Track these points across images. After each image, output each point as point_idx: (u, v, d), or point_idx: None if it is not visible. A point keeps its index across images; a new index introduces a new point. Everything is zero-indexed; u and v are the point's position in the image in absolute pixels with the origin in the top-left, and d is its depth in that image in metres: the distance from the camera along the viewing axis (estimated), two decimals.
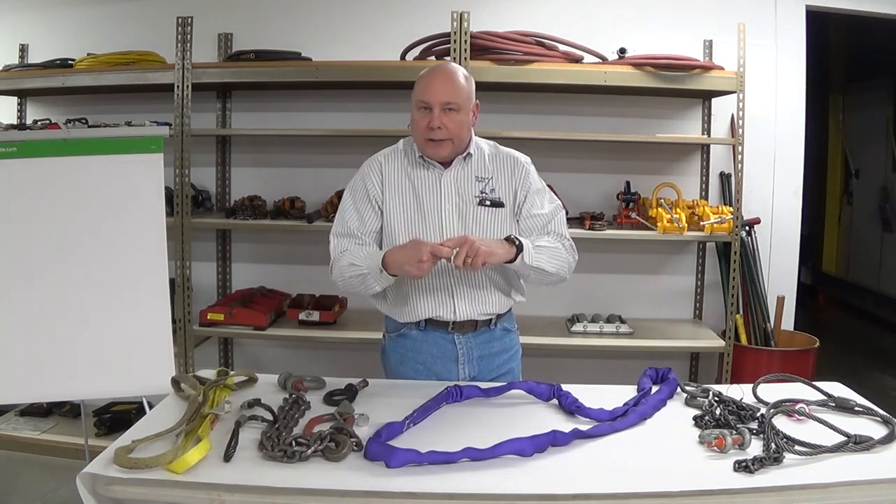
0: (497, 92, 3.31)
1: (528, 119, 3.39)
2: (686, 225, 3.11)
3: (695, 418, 1.58)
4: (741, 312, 3.34)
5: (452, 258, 1.69)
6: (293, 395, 1.64)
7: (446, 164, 1.91)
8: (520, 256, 1.79)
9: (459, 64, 2.98)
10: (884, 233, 5.87)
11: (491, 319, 1.97)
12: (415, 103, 1.86)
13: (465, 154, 1.92)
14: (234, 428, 1.45)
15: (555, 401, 1.69)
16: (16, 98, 3.70)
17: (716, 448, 1.40)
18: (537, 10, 3.45)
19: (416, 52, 3.25)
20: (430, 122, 1.83)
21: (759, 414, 1.57)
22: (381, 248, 1.90)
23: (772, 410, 1.54)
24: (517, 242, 1.79)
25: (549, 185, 2.04)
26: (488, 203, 1.90)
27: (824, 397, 1.69)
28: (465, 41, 3.03)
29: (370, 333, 2.99)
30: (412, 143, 1.94)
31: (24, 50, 3.68)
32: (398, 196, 1.91)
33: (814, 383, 1.76)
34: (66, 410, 3.49)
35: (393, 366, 2.00)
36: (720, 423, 1.52)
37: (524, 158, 1.99)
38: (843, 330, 5.80)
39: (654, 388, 1.76)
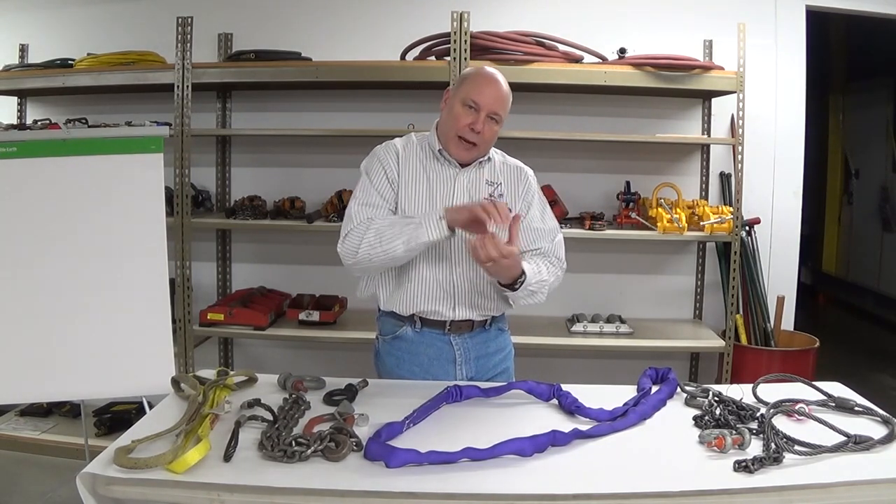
0: None
1: (528, 119, 3.38)
2: (686, 225, 3.11)
3: (695, 418, 1.57)
4: (741, 312, 3.34)
5: (478, 245, 1.65)
6: (293, 395, 1.63)
7: (463, 164, 1.92)
8: (511, 288, 1.80)
9: (459, 64, 3.01)
10: (884, 233, 5.88)
11: (486, 320, 1.97)
12: (460, 99, 1.84)
13: (483, 159, 1.93)
14: (234, 428, 1.45)
15: (555, 401, 1.69)
16: (16, 98, 3.70)
17: (716, 448, 1.40)
18: (537, 10, 3.45)
19: (416, 52, 3.25)
20: (475, 123, 1.82)
21: (758, 414, 1.56)
22: None
23: (772, 410, 1.54)
24: (521, 280, 1.78)
25: (547, 191, 2.05)
26: None
27: (824, 397, 1.69)
28: (465, 41, 3.03)
29: (370, 333, 2.93)
30: (428, 137, 1.95)
31: (24, 50, 3.68)
32: (412, 185, 1.89)
33: (814, 383, 1.76)
34: (66, 410, 3.49)
35: (389, 369, 1.98)
36: (720, 423, 1.52)
37: (528, 170, 2.03)
38: (843, 330, 5.80)
39: (654, 388, 1.76)
